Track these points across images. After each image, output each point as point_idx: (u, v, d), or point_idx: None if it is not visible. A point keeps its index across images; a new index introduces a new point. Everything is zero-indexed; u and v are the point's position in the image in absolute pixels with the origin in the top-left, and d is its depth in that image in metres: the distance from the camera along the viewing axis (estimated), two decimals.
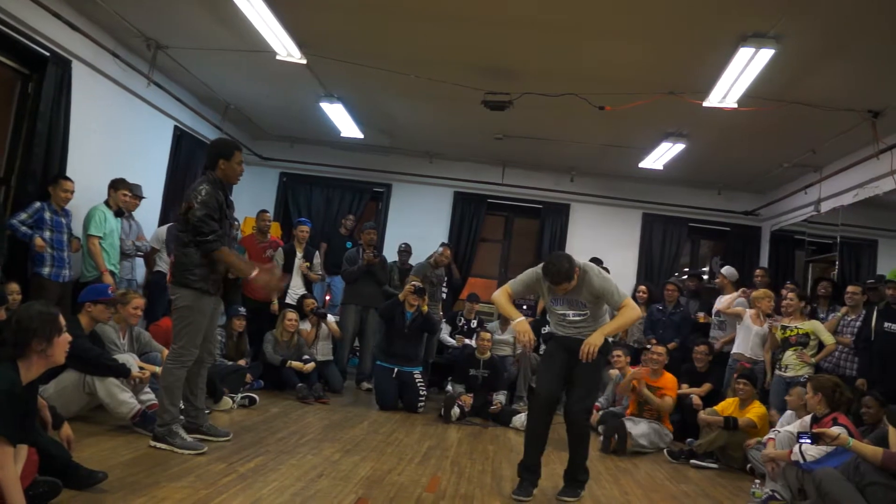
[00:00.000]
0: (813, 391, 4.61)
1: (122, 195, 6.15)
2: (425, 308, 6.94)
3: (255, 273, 4.23)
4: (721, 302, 7.14)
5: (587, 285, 4.07)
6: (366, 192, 10.13)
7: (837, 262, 7.40)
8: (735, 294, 7.11)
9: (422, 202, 10.08)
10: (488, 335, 7.07)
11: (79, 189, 5.76)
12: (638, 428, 5.88)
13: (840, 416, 4.44)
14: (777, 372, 6.11)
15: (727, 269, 7.70)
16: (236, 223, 7.95)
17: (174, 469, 3.69)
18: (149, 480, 3.44)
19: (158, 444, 4.06)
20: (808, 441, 4.18)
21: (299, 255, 7.71)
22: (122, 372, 4.41)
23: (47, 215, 5.50)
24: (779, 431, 4.77)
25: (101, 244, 5.88)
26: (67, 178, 5.67)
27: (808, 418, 4.65)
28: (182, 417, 4.28)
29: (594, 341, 4.01)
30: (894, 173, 6.30)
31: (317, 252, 8.01)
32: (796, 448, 4.28)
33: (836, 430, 4.08)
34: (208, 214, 4.03)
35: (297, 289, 7.61)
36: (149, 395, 4.61)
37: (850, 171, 7.15)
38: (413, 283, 7.06)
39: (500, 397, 6.71)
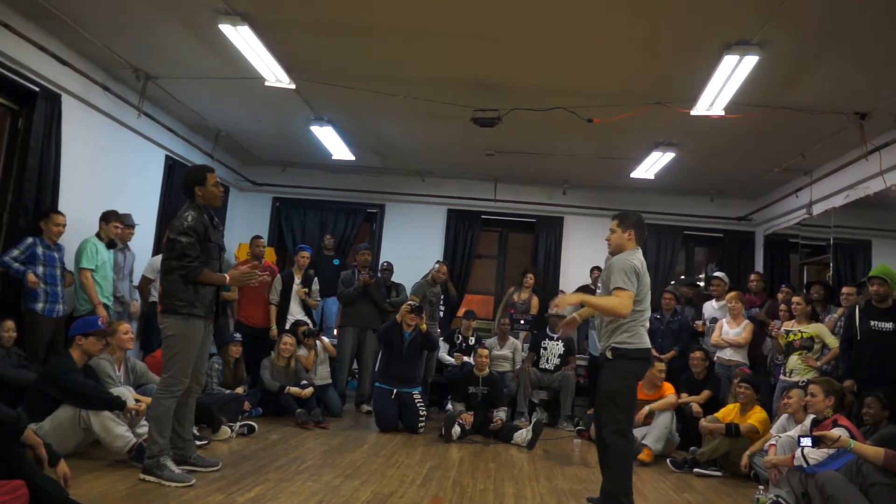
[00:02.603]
0: (824, 394, 4.61)
1: (114, 227, 6.14)
2: (424, 327, 6.92)
3: (228, 280, 4.31)
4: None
5: (614, 259, 4.12)
6: (359, 214, 10.14)
7: (832, 264, 7.41)
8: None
9: (416, 221, 10.10)
10: (486, 352, 7.04)
11: (71, 222, 5.75)
12: (652, 435, 5.93)
13: (840, 417, 4.44)
14: (782, 377, 6.10)
15: (718, 273, 7.89)
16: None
17: (172, 502, 3.66)
18: None
19: (147, 477, 4.03)
20: (810, 444, 4.16)
21: (297, 280, 7.71)
22: (117, 405, 4.38)
23: (39, 250, 5.48)
24: (779, 437, 4.76)
25: (94, 277, 5.85)
26: (59, 213, 5.66)
27: (808, 422, 4.64)
28: (167, 449, 4.20)
29: (569, 299, 4.26)
30: (883, 173, 6.33)
31: (315, 278, 8.00)
32: (798, 452, 4.27)
33: (836, 432, 4.07)
34: (195, 240, 4.12)
35: (295, 314, 7.59)
36: (146, 428, 4.57)
37: (839, 172, 7.19)
38: (410, 302, 7.04)
39: (500, 414, 6.68)
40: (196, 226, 4.14)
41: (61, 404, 4.30)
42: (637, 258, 4.12)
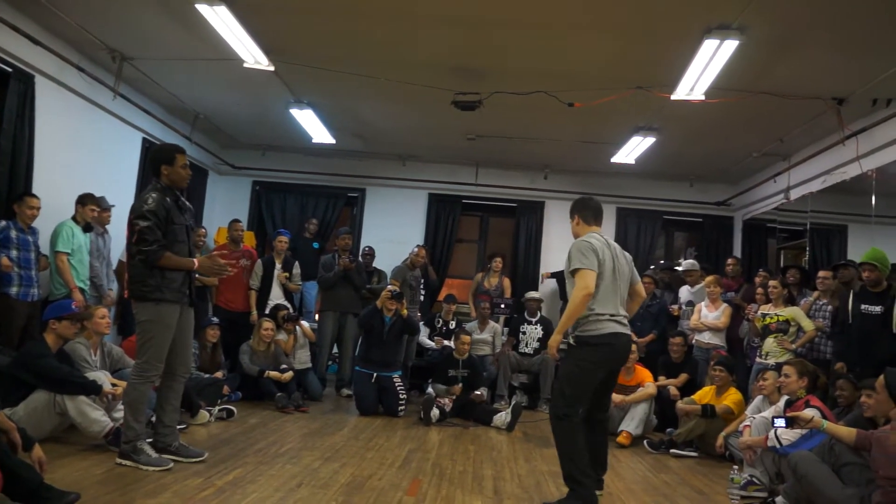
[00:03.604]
0: (798, 375, 4.67)
1: (90, 210, 6.05)
2: (405, 312, 6.91)
3: (196, 265, 4.19)
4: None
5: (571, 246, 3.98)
6: (340, 198, 10.09)
7: (808, 248, 7.49)
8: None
9: (397, 205, 10.07)
10: (468, 338, 7.03)
11: (46, 205, 5.65)
12: (634, 422, 6.00)
13: (813, 398, 4.51)
14: (757, 359, 6.17)
15: (689, 263, 8.03)
16: (204, 230, 7.88)
17: (150, 486, 3.64)
18: (123, 499, 3.40)
19: (124, 462, 3.99)
20: (784, 425, 4.22)
21: (278, 265, 7.67)
22: (92, 389, 4.34)
23: (13, 234, 5.39)
24: (753, 418, 4.82)
25: (70, 260, 5.77)
26: (33, 195, 5.56)
27: (781, 403, 4.71)
28: (143, 434, 4.16)
29: (550, 343, 4.04)
30: (860, 159, 6.40)
31: (296, 262, 7.96)
32: (771, 433, 4.34)
33: (809, 412, 4.13)
34: (155, 224, 4.00)
35: (276, 299, 7.55)
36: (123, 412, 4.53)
37: (817, 158, 7.26)
38: (390, 288, 7.02)
39: (481, 390, 6.73)
40: (156, 208, 4.01)
41: (36, 389, 4.26)
42: (594, 238, 3.96)
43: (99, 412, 4.31)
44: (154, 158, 4.25)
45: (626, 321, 3.98)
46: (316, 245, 9.01)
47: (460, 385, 6.65)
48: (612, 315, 3.89)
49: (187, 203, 4.38)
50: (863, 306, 5.44)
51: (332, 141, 8.74)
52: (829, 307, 6.01)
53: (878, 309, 5.34)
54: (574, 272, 3.85)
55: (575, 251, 3.89)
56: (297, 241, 8.98)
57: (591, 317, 3.86)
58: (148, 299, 4.03)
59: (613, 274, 3.95)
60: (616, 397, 6.05)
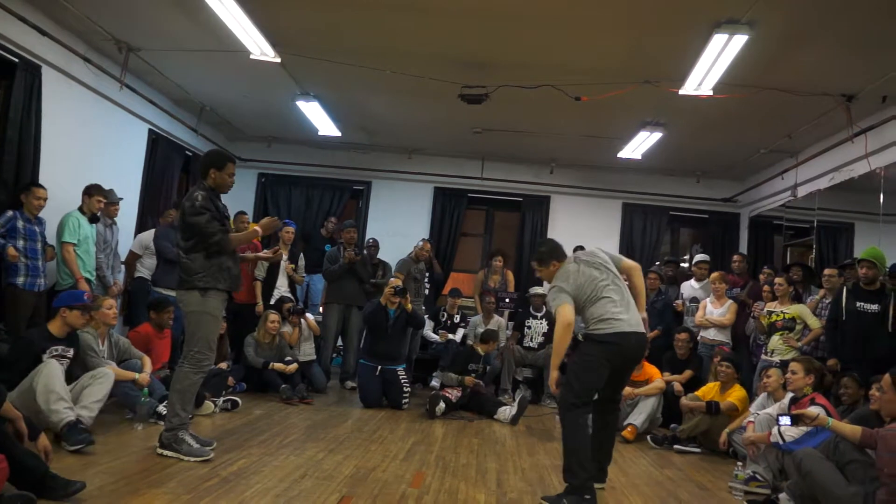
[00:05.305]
0: (805, 372, 4.66)
1: (97, 201, 6.06)
2: (409, 307, 6.91)
3: (260, 231, 4.52)
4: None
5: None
6: (345, 191, 10.09)
7: (815, 246, 7.46)
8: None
9: (402, 199, 10.07)
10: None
11: (52, 196, 5.66)
12: (641, 416, 6.01)
13: (818, 396, 4.50)
14: (763, 357, 6.16)
15: (701, 256, 7.94)
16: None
17: (155, 476, 3.66)
18: (129, 488, 3.41)
19: (165, 452, 4.02)
20: (789, 423, 4.21)
21: (284, 256, 7.67)
22: None
23: (20, 224, 5.40)
24: (757, 414, 4.82)
25: (76, 251, 5.79)
26: (40, 186, 5.57)
27: (786, 400, 4.70)
28: (187, 423, 4.20)
29: (549, 383, 4.23)
30: (868, 156, 6.36)
31: (301, 254, 7.97)
32: (775, 430, 4.33)
33: (814, 410, 4.11)
34: (211, 217, 4.14)
35: (282, 290, 7.56)
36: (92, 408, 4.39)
37: (825, 155, 7.22)
38: (393, 283, 7.01)
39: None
40: (206, 203, 4.17)
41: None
42: (561, 274, 4.11)
43: (63, 403, 4.10)
44: (205, 161, 4.38)
45: (637, 322, 4.02)
46: (328, 247, 8.97)
47: (473, 376, 6.67)
48: (621, 316, 3.96)
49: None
50: (858, 304, 5.43)
51: (338, 134, 8.73)
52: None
53: (874, 307, 5.34)
54: (555, 311, 4.03)
55: (550, 297, 4.09)
56: (313, 236, 8.98)
57: (602, 319, 3.95)
58: (196, 288, 4.12)
59: (604, 282, 4.04)
60: (625, 390, 6.08)
